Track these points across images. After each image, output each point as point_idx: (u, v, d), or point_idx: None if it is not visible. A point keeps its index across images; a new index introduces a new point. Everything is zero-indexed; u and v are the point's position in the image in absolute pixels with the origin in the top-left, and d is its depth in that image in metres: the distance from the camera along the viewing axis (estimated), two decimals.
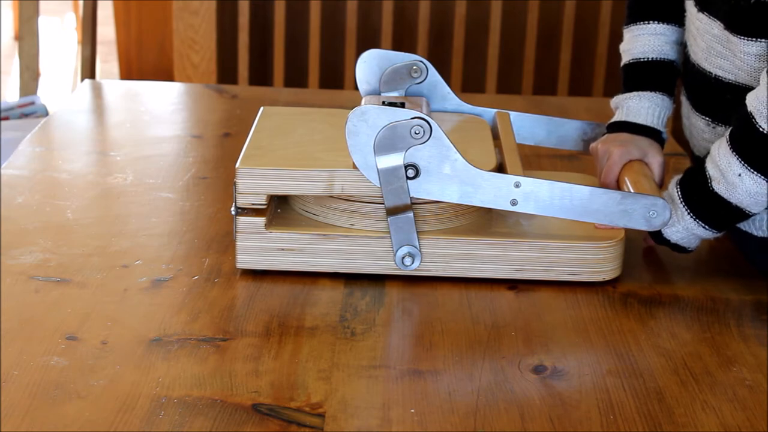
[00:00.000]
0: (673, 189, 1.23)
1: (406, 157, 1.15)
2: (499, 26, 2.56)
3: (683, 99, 1.37)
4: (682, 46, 1.36)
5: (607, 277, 1.21)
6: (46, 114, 2.38)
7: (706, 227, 1.21)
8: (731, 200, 1.18)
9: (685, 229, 1.22)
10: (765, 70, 1.16)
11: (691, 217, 1.21)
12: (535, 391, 1.00)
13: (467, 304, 1.16)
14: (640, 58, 1.36)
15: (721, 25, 1.23)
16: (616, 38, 1.42)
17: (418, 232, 1.18)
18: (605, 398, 0.99)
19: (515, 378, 1.02)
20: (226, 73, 2.63)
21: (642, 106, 1.34)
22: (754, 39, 1.20)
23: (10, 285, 1.16)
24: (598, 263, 1.20)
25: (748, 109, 1.16)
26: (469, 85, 2.68)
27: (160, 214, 1.36)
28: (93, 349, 1.04)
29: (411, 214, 1.17)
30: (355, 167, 1.16)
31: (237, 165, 1.19)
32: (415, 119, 1.14)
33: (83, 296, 1.14)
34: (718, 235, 1.23)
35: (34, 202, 1.38)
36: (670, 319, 1.15)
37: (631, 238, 1.27)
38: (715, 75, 1.26)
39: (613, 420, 0.96)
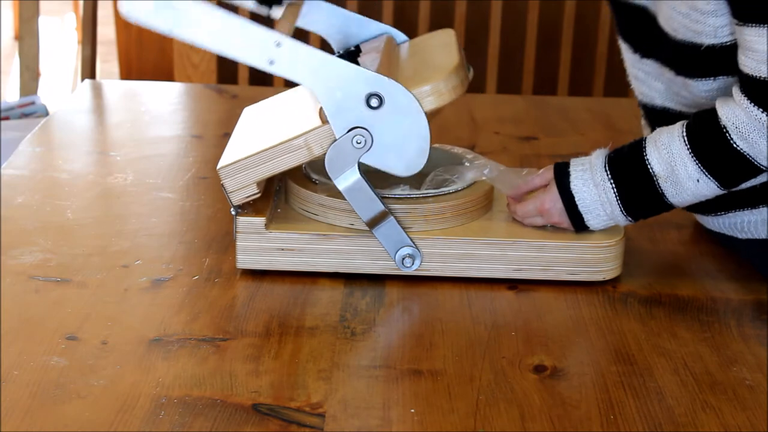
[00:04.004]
0: (602, 173, 1.18)
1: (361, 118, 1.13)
2: (499, 26, 2.56)
3: (645, 128, 1.35)
4: None
5: (607, 276, 1.21)
6: (46, 114, 2.38)
7: (631, 219, 1.20)
8: (673, 201, 1.17)
9: (611, 220, 1.20)
10: (735, 86, 1.13)
11: (623, 213, 1.18)
12: (535, 391, 1.00)
13: (467, 304, 1.16)
14: None
15: (672, 72, 1.22)
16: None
17: (417, 232, 1.18)
18: (605, 398, 0.99)
19: (515, 378, 1.02)
20: (226, 73, 2.63)
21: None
22: (712, 78, 1.18)
23: (10, 285, 1.16)
24: (598, 263, 1.20)
25: (722, 123, 1.12)
26: (469, 85, 2.68)
27: (160, 214, 1.36)
28: (93, 349, 1.04)
29: (392, 219, 1.17)
30: (324, 122, 1.15)
31: (217, 167, 1.18)
32: (354, 130, 1.14)
33: (83, 296, 1.14)
34: (634, 222, 1.21)
35: (34, 202, 1.38)
36: (670, 319, 1.15)
37: (632, 238, 1.27)
38: (679, 111, 1.25)
39: (613, 420, 0.96)
